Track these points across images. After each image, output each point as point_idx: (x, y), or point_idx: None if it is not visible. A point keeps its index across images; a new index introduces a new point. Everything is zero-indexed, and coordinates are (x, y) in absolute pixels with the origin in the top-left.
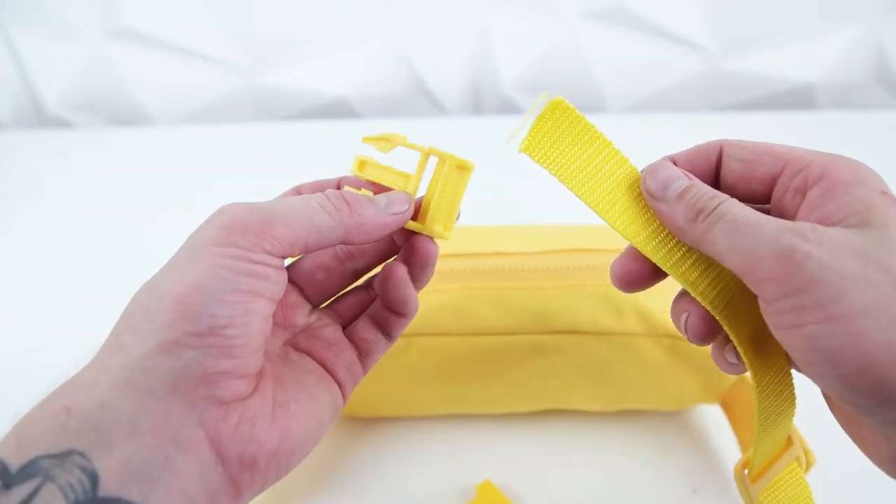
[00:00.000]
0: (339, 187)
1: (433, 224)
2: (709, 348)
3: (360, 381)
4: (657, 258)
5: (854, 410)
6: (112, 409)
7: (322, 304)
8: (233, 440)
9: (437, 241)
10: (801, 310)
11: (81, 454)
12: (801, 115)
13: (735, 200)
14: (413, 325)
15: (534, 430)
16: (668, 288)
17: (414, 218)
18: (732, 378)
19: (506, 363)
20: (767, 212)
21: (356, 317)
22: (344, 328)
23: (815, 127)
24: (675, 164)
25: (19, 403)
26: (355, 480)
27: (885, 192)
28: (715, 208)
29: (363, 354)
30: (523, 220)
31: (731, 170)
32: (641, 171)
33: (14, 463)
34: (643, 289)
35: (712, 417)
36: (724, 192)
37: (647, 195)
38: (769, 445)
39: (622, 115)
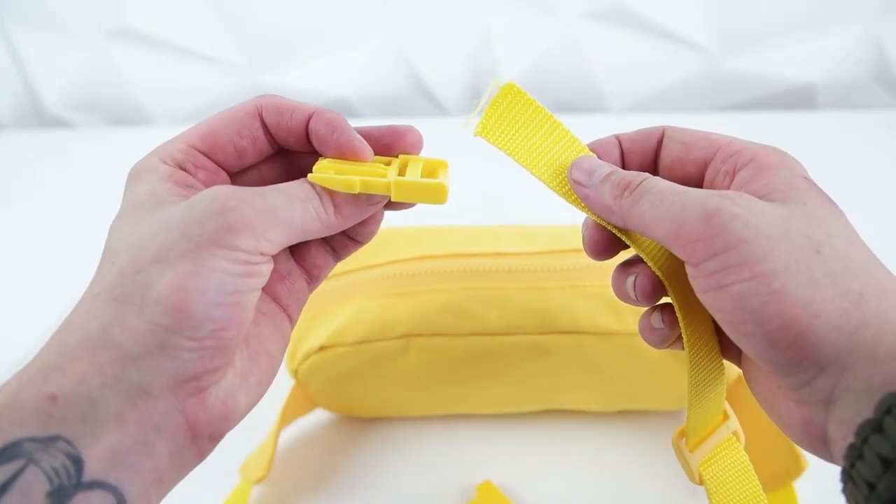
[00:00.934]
0: (308, 121)
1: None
2: None
3: (354, 383)
4: (610, 226)
5: (775, 372)
6: (101, 405)
7: None
8: (207, 421)
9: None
10: (727, 269)
11: (67, 441)
12: (801, 115)
13: (659, 178)
14: (412, 325)
15: (534, 430)
16: None
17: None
18: (731, 378)
19: (505, 363)
20: None
21: None
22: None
23: (815, 127)
24: (619, 140)
25: None
26: (355, 481)
27: (806, 178)
28: (640, 183)
29: (311, 279)
30: (522, 220)
31: (669, 151)
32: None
33: None
34: (612, 255)
35: None
36: (660, 173)
37: (573, 185)
38: (703, 415)
39: (622, 115)
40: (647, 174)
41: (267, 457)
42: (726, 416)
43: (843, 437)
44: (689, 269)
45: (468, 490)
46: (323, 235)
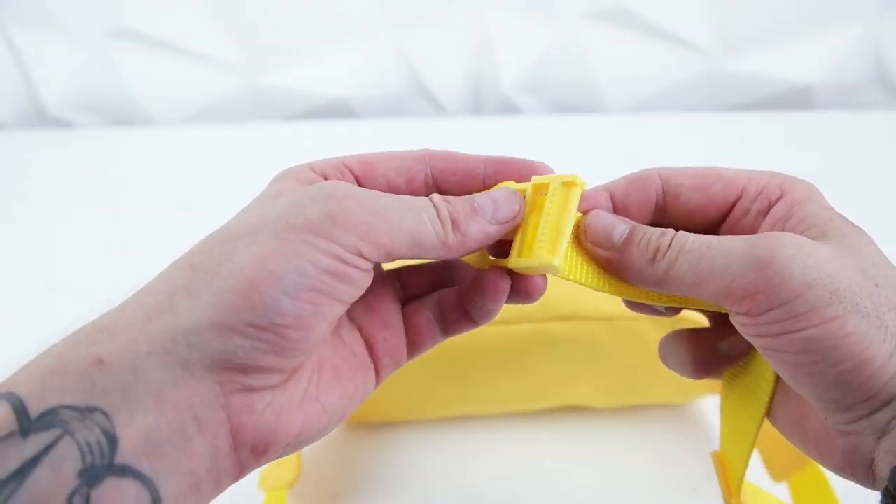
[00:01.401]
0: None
1: (539, 251)
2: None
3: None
4: (651, 298)
5: (832, 409)
6: (143, 377)
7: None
8: (252, 428)
9: (547, 275)
10: (796, 317)
11: (106, 414)
12: (800, 116)
13: (684, 232)
14: None
15: (534, 429)
16: None
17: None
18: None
19: (510, 354)
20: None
21: (417, 294)
22: (404, 304)
23: (815, 127)
24: (612, 195)
25: None
26: (356, 485)
27: (830, 208)
28: (671, 243)
29: (412, 344)
30: None
31: (684, 201)
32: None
33: (35, 406)
34: (714, 369)
35: (713, 417)
36: (673, 223)
37: (591, 248)
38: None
39: (622, 116)
40: (671, 230)
41: (294, 458)
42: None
43: (890, 462)
44: (742, 319)
45: (471, 494)
46: (440, 256)
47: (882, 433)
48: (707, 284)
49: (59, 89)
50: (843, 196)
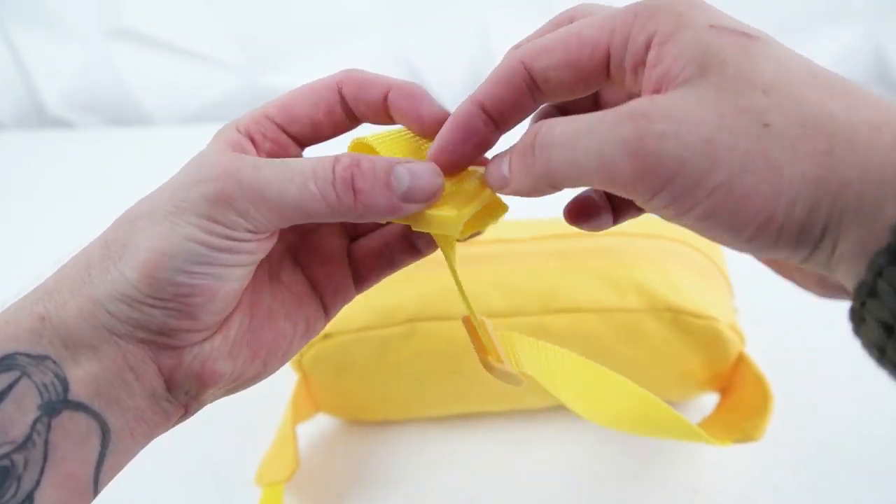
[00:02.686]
0: (387, 94)
1: (442, 207)
2: (710, 324)
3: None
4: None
5: (770, 260)
6: (78, 334)
7: None
8: (183, 376)
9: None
10: (681, 196)
11: (55, 362)
12: None
13: (547, 121)
14: (416, 309)
15: (532, 427)
16: (668, 261)
17: None
18: (733, 355)
19: None
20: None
21: (364, 230)
22: (354, 240)
23: None
24: (482, 107)
25: None
26: (361, 488)
27: (713, 26)
28: (534, 137)
29: (359, 279)
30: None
31: (559, 81)
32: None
33: None
34: (596, 222)
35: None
36: (563, 108)
37: (497, 190)
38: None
39: None
40: (535, 125)
41: (290, 453)
42: (483, 321)
43: (856, 275)
44: (638, 202)
45: (470, 493)
46: (336, 220)
47: (835, 266)
48: (590, 176)
49: (58, 89)
50: None
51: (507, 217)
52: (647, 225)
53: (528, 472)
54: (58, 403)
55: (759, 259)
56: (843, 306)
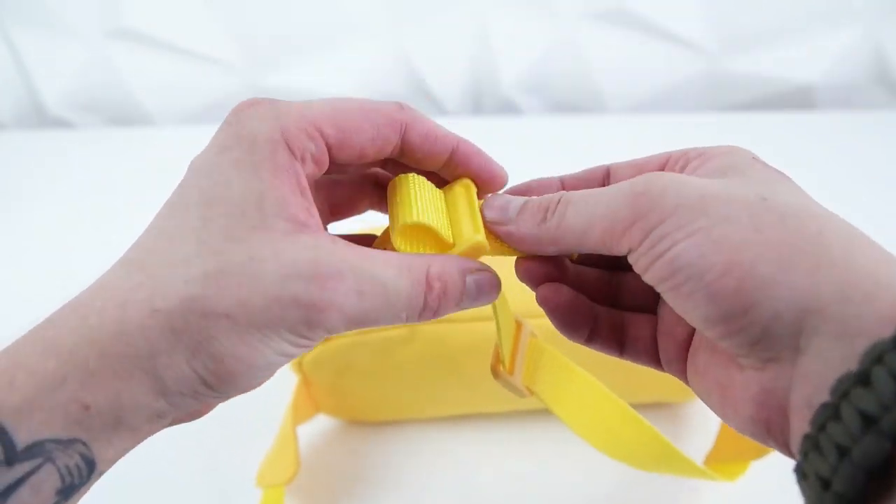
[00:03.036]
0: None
1: (465, 234)
2: None
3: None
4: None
5: (724, 335)
6: (125, 422)
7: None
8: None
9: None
10: (664, 237)
11: (85, 444)
12: (800, 116)
13: (573, 191)
14: None
15: (533, 428)
16: None
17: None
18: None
19: None
20: None
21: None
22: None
23: (815, 127)
24: (562, 182)
25: None
26: (355, 484)
27: (755, 158)
28: (559, 200)
29: (332, 212)
30: None
31: (620, 178)
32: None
33: (21, 439)
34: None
35: (713, 416)
36: None
37: (492, 227)
38: (507, 331)
39: (622, 115)
40: (560, 192)
41: (291, 455)
42: (520, 324)
43: (807, 402)
44: (631, 258)
45: (468, 494)
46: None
47: (795, 351)
48: (593, 229)
49: (58, 89)
50: (843, 196)
51: None
52: None
53: (527, 472)
54: (79, 485)
55: (696, 363)
56: None
